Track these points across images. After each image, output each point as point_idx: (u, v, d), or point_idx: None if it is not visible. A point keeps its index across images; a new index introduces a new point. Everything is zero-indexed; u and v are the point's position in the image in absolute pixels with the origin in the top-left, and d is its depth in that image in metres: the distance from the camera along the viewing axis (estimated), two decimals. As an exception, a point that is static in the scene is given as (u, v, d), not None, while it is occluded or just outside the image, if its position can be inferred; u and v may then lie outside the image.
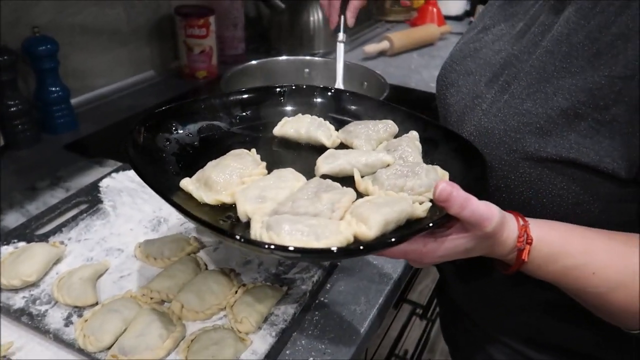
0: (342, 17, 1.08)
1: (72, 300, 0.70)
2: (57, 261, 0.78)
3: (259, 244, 0.52)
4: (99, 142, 1.22)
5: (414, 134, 0.75)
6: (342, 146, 0.75)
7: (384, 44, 1.84)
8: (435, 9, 2.10)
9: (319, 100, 0.83)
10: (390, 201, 0.58)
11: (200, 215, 0.57)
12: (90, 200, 0.92)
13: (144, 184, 0.56)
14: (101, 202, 0.92)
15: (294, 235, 0.52)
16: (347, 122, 0.78)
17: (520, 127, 0.63)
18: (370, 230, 0.54)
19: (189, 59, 1.54)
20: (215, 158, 0.67)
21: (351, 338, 0.72)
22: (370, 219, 0.54)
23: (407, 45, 1.89)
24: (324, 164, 0.68)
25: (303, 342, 0.70)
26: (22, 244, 0.80)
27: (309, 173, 0.67)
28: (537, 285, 0.64)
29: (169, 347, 0.65)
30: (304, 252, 0.53)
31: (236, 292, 0.73)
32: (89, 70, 1.37)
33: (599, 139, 0.58)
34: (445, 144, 0.72)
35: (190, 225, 0.87)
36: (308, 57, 1.41)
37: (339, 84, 1.12)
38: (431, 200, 0.60)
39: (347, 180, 0.66)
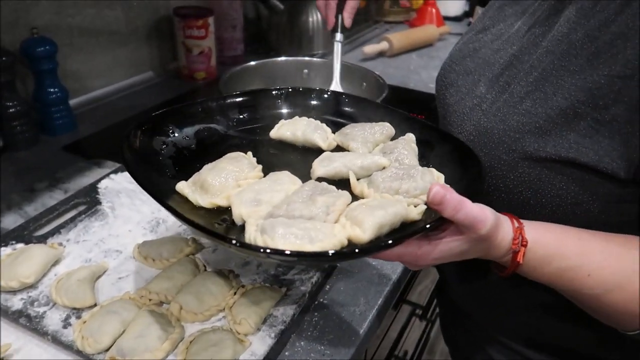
0: (340, 17, 1.08)
1: (71, 301, 0.70)
2: (56, 263, 0.78)
3: (254, 248, 0.52)
4: (97, 144, 1.22)
5: (410, 137, 0.75)
6: (339, 149, 0.75)
7: (383, 45, 1.84)
8: (434, 10, 2.10)
9: (315, 102, 0.84)
10: (385, 204, 0.58)
11: (195, 218, 0.57)
12: (88, 202, 0.92)
13: (142, 186, 0.56)
14: (100, 203, 0.92)
15: (288, 238, 0.52)
16: (344, 125, 0.78)
17: (519, 126, 0.64)
18: (364, 234, 0.54)
19: (187, 60, 1.54)
20: (211, 161, 0.67)
21: (350, 339, 0.72)
22: (364, 222, 0.55)
23: (406, 46, 1.89)
24: (319, 166, 0.68)
25: (302, 343, 0.70)
26: (20, 245, 0.80)
27: (306, 176, 0.67)
28: (536, 286, 0.64)
29: (167, 348, 0.65)
30: (299, 256, 0.53)
31: (235, 293, 0.73)
32: (87, 71, 1.37)
33: (599, 139, 0.58)
34: (441, 146, 0.72)
35: (189, 226, 0.87)
36: (307, 58, 1.41)
37: (337, 84, 1.12)
38: (426, 203, 0.60)
39: (343, 183, 0.66)
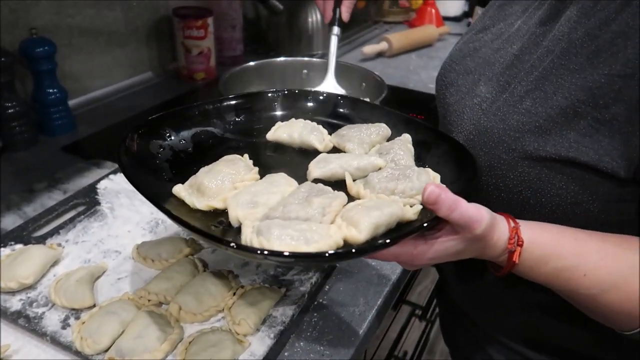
0: (337, 10, 1.07)
1: (70, 302, 0.70)
2: (55, 263, 0.78)
3: (251, 250, 0.52)
4: (96, 144, 1.22)
5: (406, 137, 0.75)
6: (335, 150, 0.75)
7: (383, 45, 1.84)
8: (433, 10, 2.10)
9: (311, 104, 0.84)
10: (381, 204, 0.58)
11: (192, 221, 0.57)
12: (87, 202, 0.92)
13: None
14: (99, 204, 0.92)
15: (284, 240, 0.52)
16: (340, 126, 0.79)
17: (519, 126, 0.63)
18: (360, 234, 0.54)
19: (187, 60, 1.54)
20: (208, 164, 0.67)
21: (350, 339, 0.72)
22: (360, 223, 0.55)
23: (406, 46, 1.89)
24: (315, 168, 0.68)
25: (301, 343, 0.71)
26: (19, 246, 0.81)
27: (302, 177, 0.68)
28: (532, 286, 0.64)
29: (166, 349, 0.65)
30: (297, 257, 0.53)
31: (234, 293, 0.73)
32: (86, 71, 1.37)
33: (599, 138, 0.58)
34: (437, 147, 0.72)
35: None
36: (306, 58, 1.41)
37: (331, 77, 1.11)
38: (422, 203, 0.60)
39: (339, 184, 0.67)
